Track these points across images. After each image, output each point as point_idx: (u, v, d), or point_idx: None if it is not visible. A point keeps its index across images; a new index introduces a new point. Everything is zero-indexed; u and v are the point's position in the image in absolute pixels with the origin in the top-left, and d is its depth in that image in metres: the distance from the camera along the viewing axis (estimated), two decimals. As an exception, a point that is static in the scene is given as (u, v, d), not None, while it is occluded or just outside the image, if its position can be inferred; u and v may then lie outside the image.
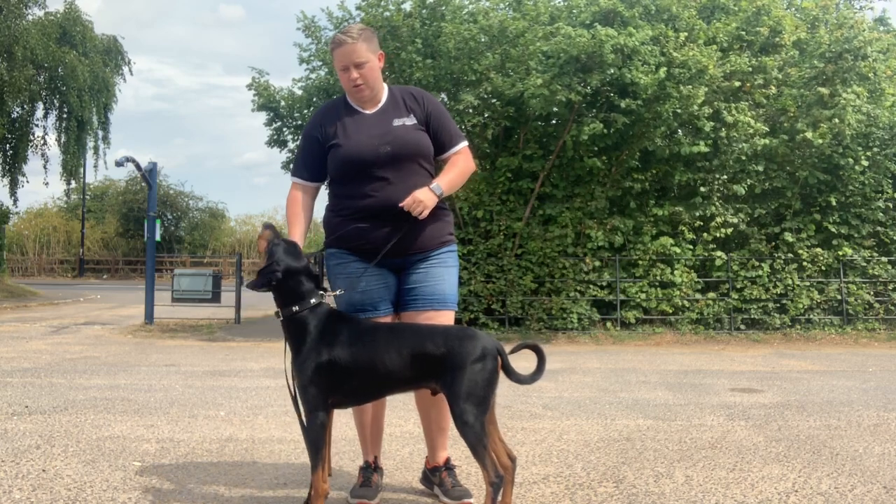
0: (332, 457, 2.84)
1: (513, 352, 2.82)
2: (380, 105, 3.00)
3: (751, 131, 10.60)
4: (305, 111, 11.42)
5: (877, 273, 11.06)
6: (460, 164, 3.03)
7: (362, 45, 2.89)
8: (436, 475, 3.09)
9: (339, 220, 2.97)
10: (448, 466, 3.08)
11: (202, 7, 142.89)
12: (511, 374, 2.75)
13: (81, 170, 24.98)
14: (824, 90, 10.27)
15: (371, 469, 3.04)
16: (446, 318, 2.99)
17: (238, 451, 3.81)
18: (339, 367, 2.67)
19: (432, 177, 3.00)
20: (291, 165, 3.24)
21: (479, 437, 2.60)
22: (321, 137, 3.00)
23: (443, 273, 3.00)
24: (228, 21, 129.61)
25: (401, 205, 2.82)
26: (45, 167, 23.59)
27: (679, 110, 9.97)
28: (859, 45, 10.31)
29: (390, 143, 2.90)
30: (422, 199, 2.82)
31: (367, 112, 2.99)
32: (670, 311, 10.86)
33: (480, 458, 2.61)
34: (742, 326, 10.85)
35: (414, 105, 3.00)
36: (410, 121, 2.97)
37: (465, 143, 3.07)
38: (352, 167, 2.92)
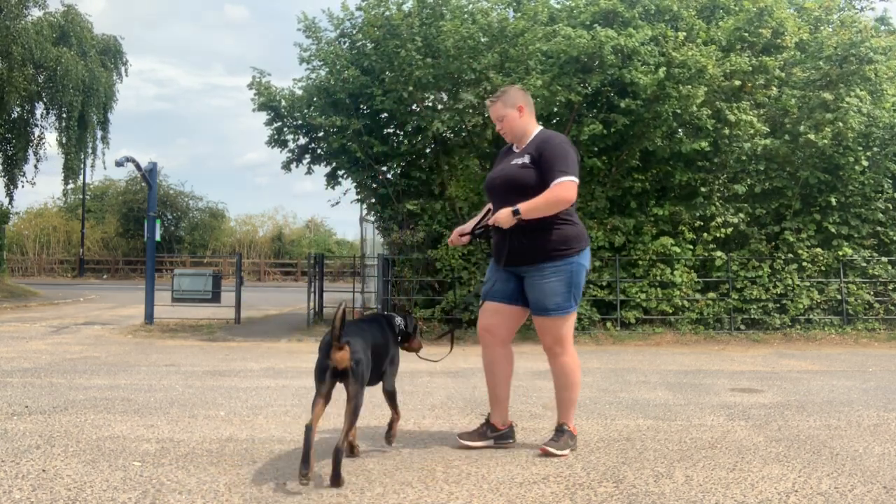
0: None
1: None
2: (522, 146, 3.87)
3: (752, 131, 10.59)
4: (306, 111, 11.37)
5: (877, 273, 11.05)
6: (547, 193, 3.66)
7: (499, 104, 3.86)
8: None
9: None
10: (560, 428, 3.88)
11: (206, 7, 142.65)
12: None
13: (81, 169, 24.96)
14: (828, 95, 10.24)
15: (486, 424, 3.95)
16: (549, 322, 3.76)
17: (238, 451, 3.81)
18: None
19: None
20: None
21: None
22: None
23: (542, 286, 3.74)
24: (232, 21, 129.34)
25: (488, 221, 3.75)
26: (35, 167, 23.40)
27: (679, 110, 9.96)
28: (866, 52, 10.28)
29: (502, 176, 3.82)
30: (497, 218, 3.65)
31: (514, 151, 3.90)
32: (670, 311, 10.85)
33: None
34: (742, 326, 10.84)
35: (533, 148, 3.77)
36: (523, 160, 3.76)
37: (561, 179, 3.64)
38: (486, 191, 3.99)
